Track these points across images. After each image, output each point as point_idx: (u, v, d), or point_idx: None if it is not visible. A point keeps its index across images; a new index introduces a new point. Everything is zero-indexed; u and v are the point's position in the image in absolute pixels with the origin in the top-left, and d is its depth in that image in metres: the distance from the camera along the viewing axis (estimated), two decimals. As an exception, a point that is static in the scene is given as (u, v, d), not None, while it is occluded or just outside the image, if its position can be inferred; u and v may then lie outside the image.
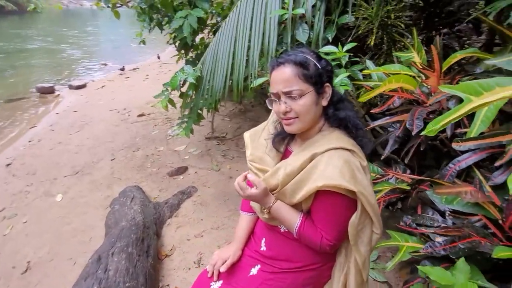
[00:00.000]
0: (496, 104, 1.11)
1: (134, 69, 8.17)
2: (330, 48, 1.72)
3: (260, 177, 1.16)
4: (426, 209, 1.47)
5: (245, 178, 1.05)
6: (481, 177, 1.16)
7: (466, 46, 2.17)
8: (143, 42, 4.13)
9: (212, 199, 2.86)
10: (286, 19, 1.87)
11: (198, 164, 3.49)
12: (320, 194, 1.00)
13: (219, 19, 3.56)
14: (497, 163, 1.08)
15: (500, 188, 1.14)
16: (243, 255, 1.28)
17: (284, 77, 0.99)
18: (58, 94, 6.32)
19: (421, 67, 1.46)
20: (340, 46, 1.71)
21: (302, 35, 1.84)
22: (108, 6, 3.45)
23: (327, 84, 1.03)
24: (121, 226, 2.09)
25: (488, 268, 1.19)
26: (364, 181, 0.98)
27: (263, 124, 1.31)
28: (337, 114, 1.04)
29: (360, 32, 1.87)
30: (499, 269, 1.19)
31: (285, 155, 1.17)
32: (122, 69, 8.04)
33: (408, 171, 1.64)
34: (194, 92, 2.35)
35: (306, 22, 1.86)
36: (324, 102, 1.04)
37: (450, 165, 1.22)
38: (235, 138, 3.94)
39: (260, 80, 1.89)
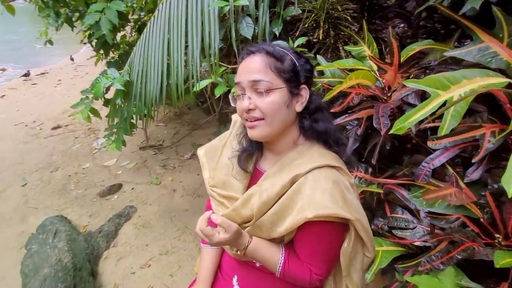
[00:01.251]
0: (467, 100, 1.06)
1: (42, 73, 7.07)
2: (279, 43, 1.56)
3: (227, 207, 0.94)
4: (395, 208, 1.41)
5: (208, 220, 0.80)
6: (456, 174, 1.11)
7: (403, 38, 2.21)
8: (50, 42, 3.50)
9: (156, 218, 2.52)
10: (226, 11, 1.65)
11: (134, 179, 3.09)
12: (306, 223, 0.82)
13: (142, 13, 3.16)
14: (474, 159, 1.03)
15: (474, 184, 1.11)
16: (212, 299, 1.06)
17: (252, 66, 0.81)
18: None
19: (379, 61, 1.38)
20: (290, 41, 1.56)
21: (246, 29, 1.64)
22: (-4, -1, 2.79)
23: (304, 86, 0.86)
24: (43, 275, 1.67)
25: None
26: (355, 203, 0.84)
27: (221, 138, 1.08)
28: (315, 127, 0.87)
29: (306, 25, 1.75)
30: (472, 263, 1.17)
31: (255, 176, 0.96)
32: (27, 75, 6.89)
33: (370, 170, 1.57)
34: (123, 99, 1.99)
35: (249, 15, 1.66)
36: (299, 107, 0.86)
37: (424, 164, 1.16)
38: (173, 145, 3.60)
39: (203, 83, 1.64)
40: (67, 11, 3.02)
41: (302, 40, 1.57)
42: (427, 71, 1.43)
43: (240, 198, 0.91)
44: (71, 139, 3.92)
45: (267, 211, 0.86)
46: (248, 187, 0.96)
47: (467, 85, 1.08)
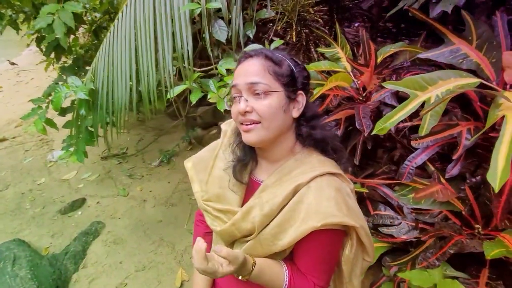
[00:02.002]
0: (446, 101, 1.11)
1: (-21, 80, 6.36)
2: (255, 46, 1.53)
3: (224, 221, 0.90)
4: (377, 206, 1.46)
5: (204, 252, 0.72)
6: (437, 171, 1.17)
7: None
8: (-9, 46, 3.14)
9: (128, 232, 2.38)
10: (197, 14, 1.58)
11: (98, 192, 2.88)
12: (311, 233, 0.81)
13: (97, 15, 2.95)
14: (454, 156, 1.09)
15: (452, 179, 1.18)
16: (210, 320, 1.01)
17: (251, 69, 0.80)
18: None
19: (357, 63, 1.41)
20: (267, 44, 1.54)
21: (219, 33, 1.59)
22: None
23: (301, 92, 0.84)
24: (6, 310, 1.49)
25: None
26: (357, 209, 0.84)
27: (210, 149, 1.03)
28: (313, 134, 0.86)
29: (279, 27, 1.74)
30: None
31: (250, 187, 0.92)
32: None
33: (350, 169, 1.61)
34: (89, 110, 1.84)
35: (221, 18, 1.62)
36: (295, 113, 0.85)
37: (406, 162, 1.21)
38: (139, 153, 3.43)
39: (178, 89, 1.57)
40: (9, 12, 2.73)
41: (279, 43, 1.56)
42: (399, 72, 1.49)
43: (239, 211, 0.88)
44: (21, 153, 3.57)
45: (268, 224, 0.83)
46: (244, 199, 0.93)
47: (443, 86, 1.14)
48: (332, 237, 0.83)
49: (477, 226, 1.09)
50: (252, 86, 0.79)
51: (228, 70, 1.61)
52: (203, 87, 1.67)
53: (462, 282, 1.09)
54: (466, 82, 1.11)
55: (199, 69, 1.75)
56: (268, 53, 0.83)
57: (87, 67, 3.00)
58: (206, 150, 1.04)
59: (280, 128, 0.83)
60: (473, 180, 1.10)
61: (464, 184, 1.12)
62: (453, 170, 1.12)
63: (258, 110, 0.79)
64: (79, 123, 2.09)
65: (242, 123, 0.82)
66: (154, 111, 4.15)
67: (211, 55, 1.57)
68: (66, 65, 3.02)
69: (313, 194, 0.80)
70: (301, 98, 0.85)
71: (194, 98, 1.57)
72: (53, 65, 3.24)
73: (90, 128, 2.16)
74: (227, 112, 1.72)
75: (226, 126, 1.02)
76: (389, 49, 1.46)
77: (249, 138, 0.82)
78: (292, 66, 0.84)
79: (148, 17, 1.60)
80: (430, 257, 1.00)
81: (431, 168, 1.20)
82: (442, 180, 1.17)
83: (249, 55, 0.83)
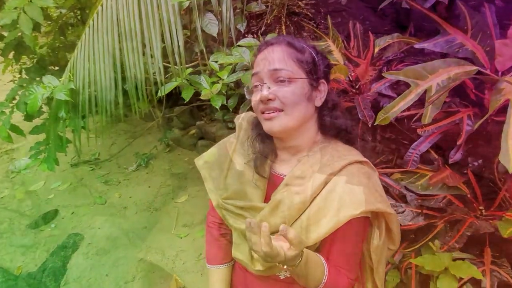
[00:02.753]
0: (448, 89, 1.15)
1: None
2: (250, 40, 1.49)
3: (246, 217, 0.86)
4: (377, 196, 1.48)
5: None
6: (439, 158, 1.20)
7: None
8: None
9: (111, 242, 2.23)
10: (185, 7, 1.51)
11: (72, 202, 2.68)
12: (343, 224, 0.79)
13: (62, 11, 2.74)
14: (458, 142, 1.13)
15: (452, 165, 1.22)
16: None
17: (273, 55, 0.78)
18: None
19: (353, 56, 1.42)
20: (261, 37, 1.50)
21: (210, 26, 1.52)
22: None
23: (323, 80, 0.83)
24: None
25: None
26: (385, 196, 0.84)
27: (223, 145, 0.98)
28: (337, 124, 0.84)
29: (269, 21, 1.71)
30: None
31: (271, 181, 0.88)
32: None
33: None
34: (68, 112, 1.69)
35: (211, 12, 1.55)
36: (318, 102, 0.83)
37: (411, 150, 1.23)
38: (113, 158, 3.23)
39: (170, 86, 1.48)
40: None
41: (272, 36, 1.53)
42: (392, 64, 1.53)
43: (265, 206, 0.84)
44: (-24, 164, 3.23)
45: (299, 217, 0.80)
46: (267, 194, 0.89)
47: (443, 74, 1.17)
48: (362, 226, 0.82)
49: (480, 208, 1.14)
50: (275, 73, 0.77)
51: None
52: (192, 84, 1.59)
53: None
54: (464, 70, 1.15)
55: (187, 65, 1.67)
56: (290, 40, 0.81)
57: (52, 68, 2.78)
58: (218, 147, 0.99)
59: (303, 116, 0.80)
60: (475, 164, 1.15)
61: (467, 168, 1.17)
62: (456, 155, 1.16)
63: (282, 97, 0.76)
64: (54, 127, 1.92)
65: (263, 112, 0.79)
66: (125, 112, 3.94)
67: (204, 50, 1.50)
68: (26, 66, 2.78)
69: (345, 182, 0.78)
70: (323, 87, 0.84)
71: (187, 96, 1.49)
72: (12, 67, 2.96)
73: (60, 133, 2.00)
74: (223, 108, 1.67)
75: (240, 121, 0.98)
76: (384, 41, 1.49)
77: (271, 126, 0.78)
78: (314, 54, 0.82)
79: (133, 10, 1.49)
80: (450, 241, 1.02)
81: (434, 155, 1.24)
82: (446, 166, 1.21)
83: (270, 43, 0.82)
